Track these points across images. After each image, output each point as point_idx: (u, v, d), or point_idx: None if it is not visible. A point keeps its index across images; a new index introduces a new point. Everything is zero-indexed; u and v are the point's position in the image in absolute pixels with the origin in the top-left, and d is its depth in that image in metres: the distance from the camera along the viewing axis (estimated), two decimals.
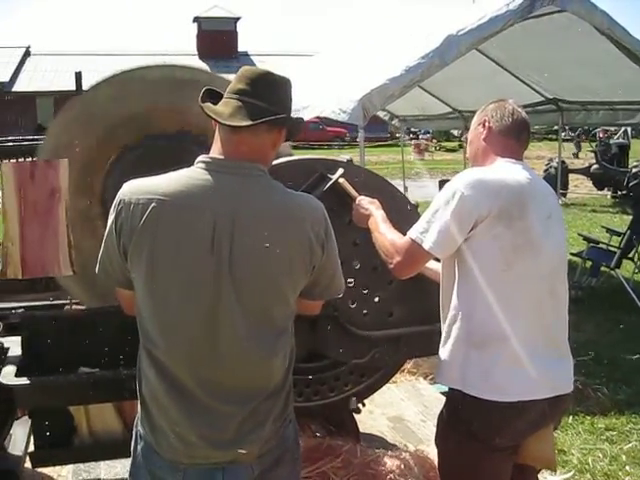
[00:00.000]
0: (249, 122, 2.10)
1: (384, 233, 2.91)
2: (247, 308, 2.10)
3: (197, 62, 37.67)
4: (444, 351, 2.77)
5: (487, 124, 2.84)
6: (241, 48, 46.54)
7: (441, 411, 2.88)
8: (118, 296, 2.33)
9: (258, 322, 2.13)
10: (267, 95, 2.16)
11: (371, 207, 3.12)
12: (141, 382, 2.23)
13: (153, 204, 2.06)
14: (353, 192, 3.25)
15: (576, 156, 26.08)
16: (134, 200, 2.09)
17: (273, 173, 2.23)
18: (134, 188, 2.13)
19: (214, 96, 2.25)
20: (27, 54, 43.53)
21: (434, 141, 36.96)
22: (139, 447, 2.27)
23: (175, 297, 2.09)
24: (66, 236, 3.25)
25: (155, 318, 2.13)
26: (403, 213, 3.41)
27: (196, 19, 46.00)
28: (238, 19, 46.62)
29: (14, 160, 3.45)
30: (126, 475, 4.07)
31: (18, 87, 39.44)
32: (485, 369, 2.62)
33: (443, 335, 2.80)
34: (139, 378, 2.24)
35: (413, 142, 31.58)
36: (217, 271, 2.06)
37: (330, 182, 3.23)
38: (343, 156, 3.46)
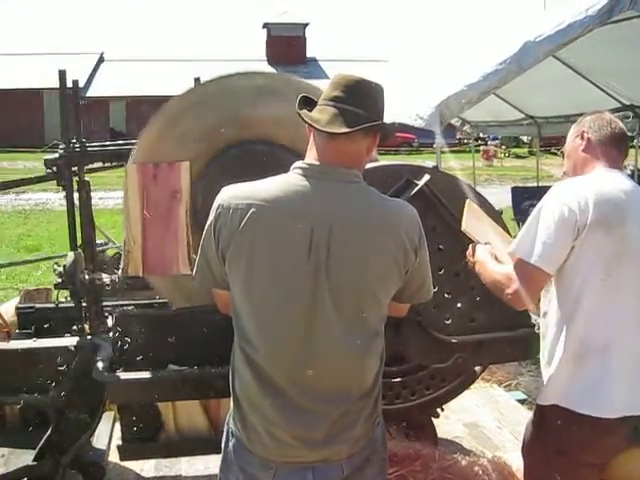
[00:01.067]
0: (347, 129, 2.14)
1: (492, 268, 2.86)
2: (342, 311, 2.14)
3: (266, 68, 37.99)
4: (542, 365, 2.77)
5: (586, 135, 2.82)
6: (309, 54, 46.79)
7: (529, 421, 2.87)
8: (214, 296, 2.39)
9: (353, 324, 2.17)
10: (362, 101, 2.20)
11: (478, 250, 3.04)
12: (234, 380, 2.28)
13: (252, 209, 2.12)
14: (477, 238, 3.11)
15: None
16: (233, 205, 2.15)
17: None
18: (232, 193, 2.19)
19: (309, 103, 2.30)
20: (101, 60, 44.60)
21: (503, 147, 36.58)
22: (230, 444, 2.32)
23: (272, 299, 2.15)
24: (185, 236, 3.35)
25: (252, 319, 2.18)
26: None
27: (265, 25, 46.42)
28: (307, 25, 46.88)
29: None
30: (206, 472, 4.22)
31: (92, 92, 40.39)
32: (582, 383, 2.60)
33: (541, 350, 2.80)
34: (232, 376, 2.30)
35: (482, 148, 31.29)
36: (314, 275, 2.11)
37: (416, 188, 3.26)
38: (428, 162, 3.48)
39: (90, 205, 3.69)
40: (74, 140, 3.64)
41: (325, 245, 2.11)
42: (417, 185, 3.28)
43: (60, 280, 3.62)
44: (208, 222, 2.24)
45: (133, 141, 3.44)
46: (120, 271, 3.48)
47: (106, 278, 3.59)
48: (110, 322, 3.85)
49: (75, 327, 3.67)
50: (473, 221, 3.15)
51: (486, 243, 3.03)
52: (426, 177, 3.30)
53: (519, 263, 2.65)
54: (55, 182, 3.66)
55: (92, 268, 3.65)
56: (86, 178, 3.70)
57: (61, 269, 3.58)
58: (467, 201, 3.22)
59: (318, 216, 2.12)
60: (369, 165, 3.25)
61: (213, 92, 3.33)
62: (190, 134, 3.31)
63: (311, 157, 2.23)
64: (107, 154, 3.75)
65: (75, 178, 3.67)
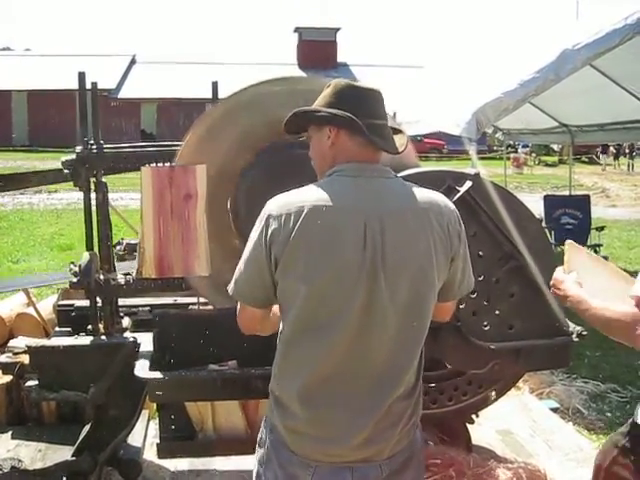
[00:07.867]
0: (400, 148, 2.35)
1: (602, 308, 2.56)
2: (398, 302, 2.17)
3: (297, 72, 38.11)
4: None
5: None
6: (340, 59, 46.87)
7: (617, 439, 2.75)
8: (242, 313, 2.35)
9: (409, 320, 2.20)
10: (382, 112, 2.33)
11: (567, 286, 2.76)
12: (276, 378, 2.30)
13: (305, 211, 2.13)
14: (583, 279, 2.79)
15: None
16: (284, 211, 2.16)
17: None
18: (281, 202, 2.21)
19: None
20: (133, 62, 45.03)
21: (533, 155, 36.42)
22: (270, 439, 2.32)
23: (334, 296, 2.15)
24: (203, 238, 3.40)
25: (310, 318, 2.18)
26: (529, 229, 3.44)
27: (297, 29, 46.56)
28: (338, 30, 46.94)
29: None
30: (240, 472, 4.21)
31: (123, 94, 40.77)
32: None
33: None
34: (275, 375, 2.31)
35: (512, 156, 31.13)
36: (370, 267, 2.14)
37: (458, 194, 3.27)
38: (471, 169, 3.49)
39: (107, 206, 3.71)
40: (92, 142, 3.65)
41: (379, 237, 2.15)
42: (459, 191, 3.29)
43: (75, 280, 3.59)
44: (254, 234, 2.23)
45: (149, 144, 3.49)
46: (135, 272, 3.51)
47: (121, 279, 3.62)
48: (125, 323, 3.91)
49: (90, 327, 3.70)
50: (577, 261, 2.89)
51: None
52: (468, 184, 3.31)
53: None
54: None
55: (108, 268, 3.69)
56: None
57: (77, 269, 3.56)
58: (568, 241, 2.94)
59: (368, 210, 2.17)
60: (413, 170, 3.30)
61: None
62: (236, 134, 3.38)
63: (346, 159, 2.28)
64: (123, 156, 3.74)
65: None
